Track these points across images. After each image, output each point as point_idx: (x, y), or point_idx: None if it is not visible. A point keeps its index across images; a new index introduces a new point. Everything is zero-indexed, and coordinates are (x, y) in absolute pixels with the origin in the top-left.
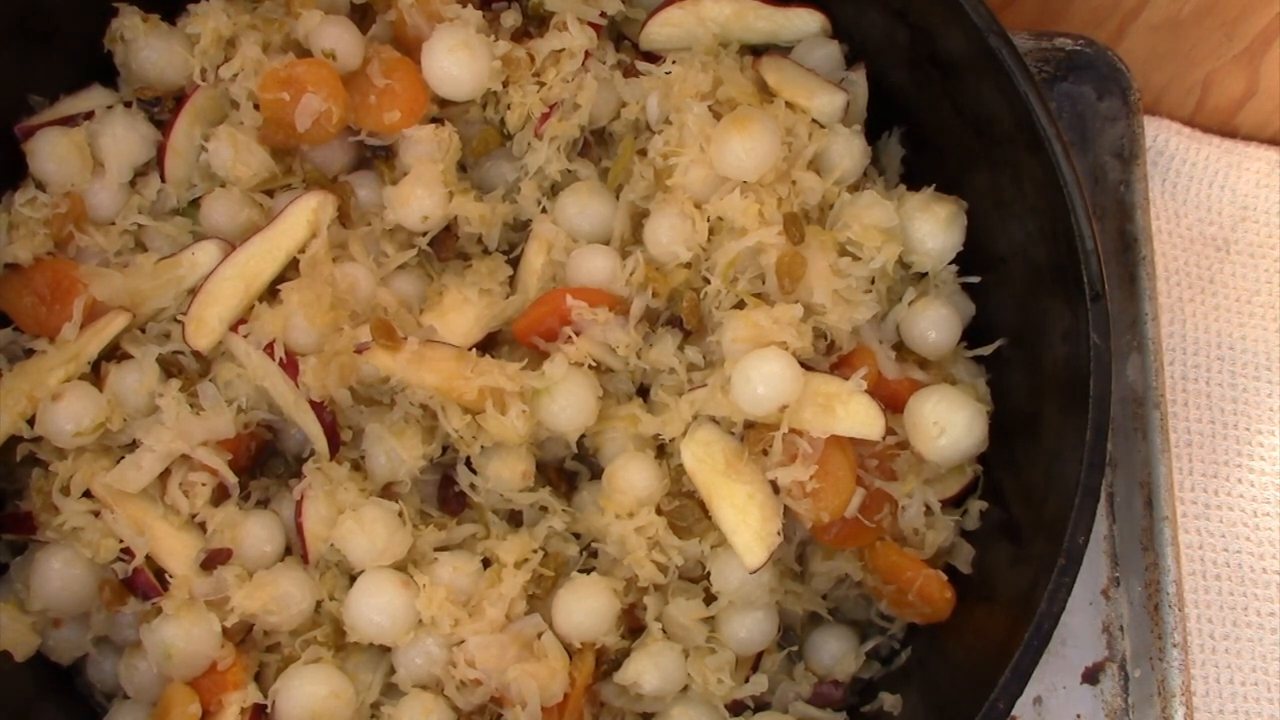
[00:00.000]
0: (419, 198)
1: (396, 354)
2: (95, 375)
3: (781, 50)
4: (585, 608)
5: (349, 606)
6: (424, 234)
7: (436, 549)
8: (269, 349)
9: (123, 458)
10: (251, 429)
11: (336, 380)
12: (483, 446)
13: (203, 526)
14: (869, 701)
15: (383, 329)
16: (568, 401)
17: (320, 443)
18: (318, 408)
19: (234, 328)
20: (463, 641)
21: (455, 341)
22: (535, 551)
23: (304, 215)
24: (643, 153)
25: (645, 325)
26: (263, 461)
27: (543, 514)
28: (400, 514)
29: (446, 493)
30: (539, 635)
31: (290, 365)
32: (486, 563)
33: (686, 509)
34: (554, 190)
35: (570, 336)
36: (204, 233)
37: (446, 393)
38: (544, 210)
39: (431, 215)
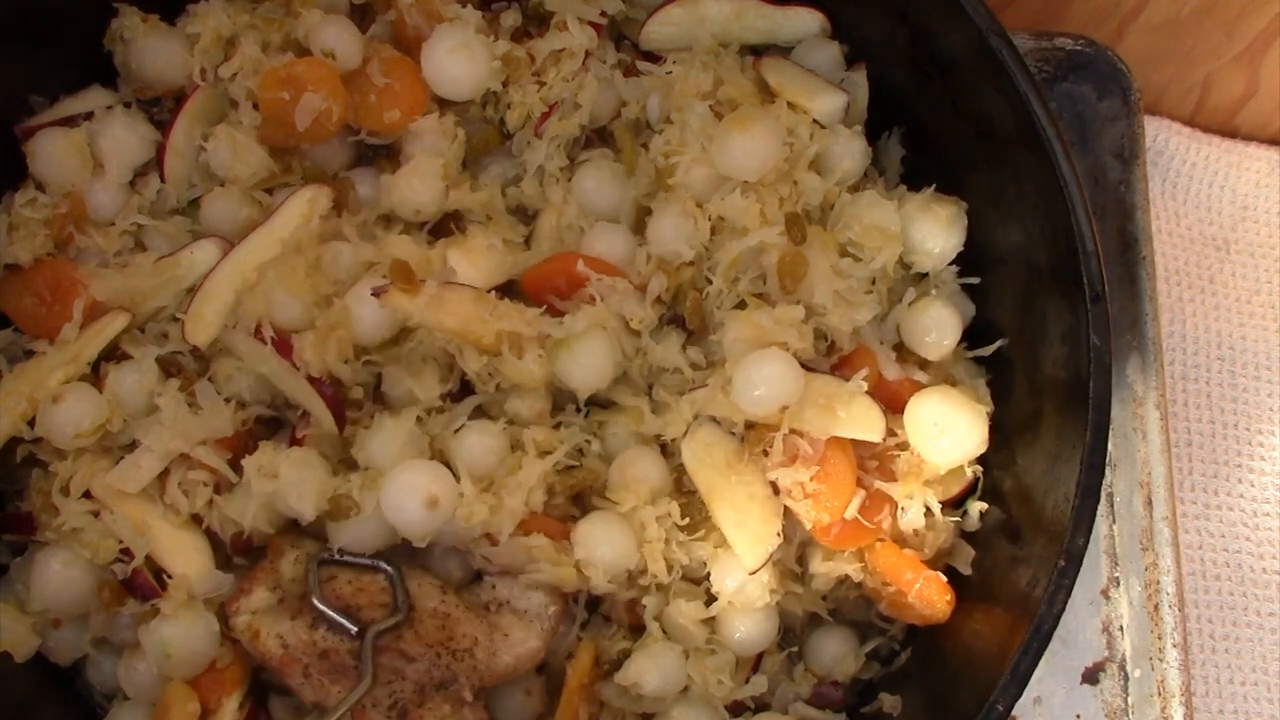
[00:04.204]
0: (414, 189)
1: (415, 297)
2: (95, 376)
3: (781, 51)
4: (609, 541)
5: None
6: (421, 225)
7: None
8: (258, 333)
9: (122, 458)
10: (250, 426)
11: (335, 355)
12: (498, 386)
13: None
14: (869, 702)
15: (401, 271)
16: (587, 359)
17: (326, 419)
18: (318, 384)
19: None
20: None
21: (479, 281)
22: (560, 443)
23: (299, 208)
24: (644, 147)
25: (660, 305)
26: None
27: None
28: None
29: None
30: None
31: (282, 345)
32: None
33: (689, 508)
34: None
35: (593, 298)
36: (204, 232)
37: (464, 336)
38: (556, 182)
39: (424, 210)
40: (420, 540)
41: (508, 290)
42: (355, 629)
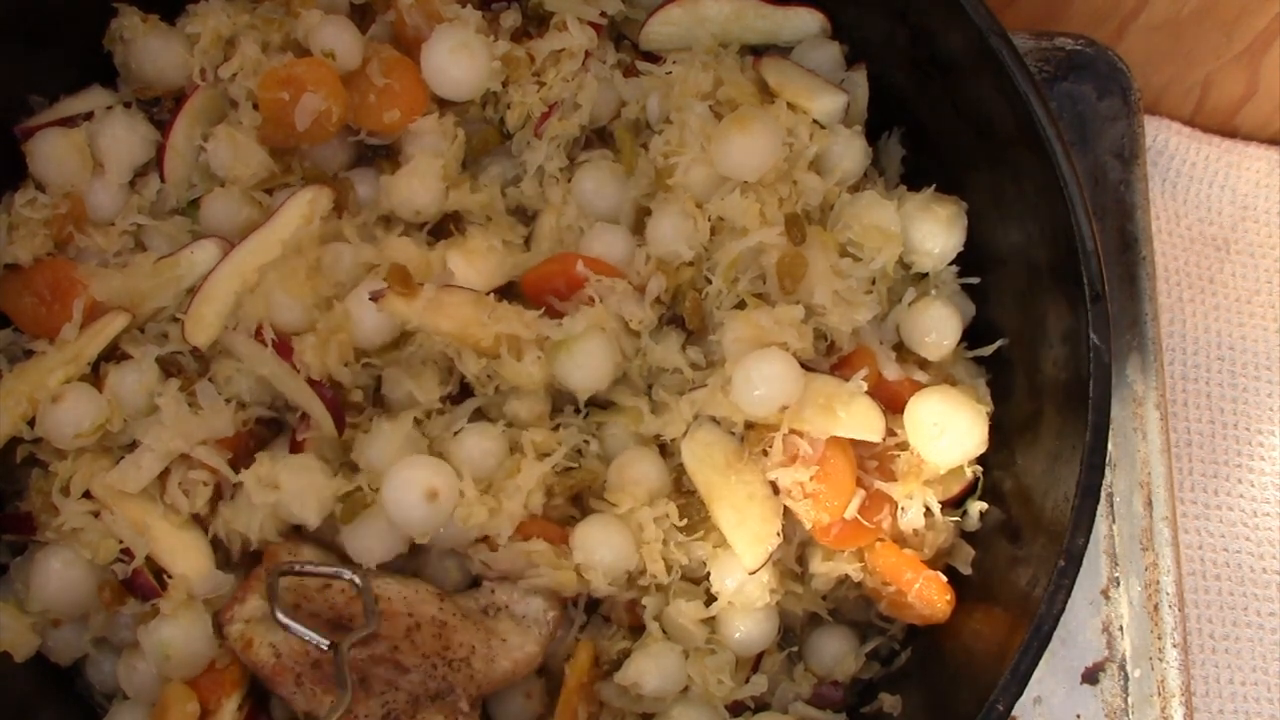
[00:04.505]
0: (414, 190)
1: (412, 301)
2: (95, 376)
3: (781, 51)
4: (608, 544)
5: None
6: (421, 226)
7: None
8: (259, 335)
9: (122, 458)
10: (250, 426)
11: (336, 358)
12: (497, 388)
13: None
14: (869, 702)
15: (398, 275)
16: (586, 361)
17: (326, 422)
18: (318, 386)
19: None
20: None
21: (479, 283)
22: (559, 445)
23: (299, 209)
24: (644, 147)
25: (659, 305)
26: None
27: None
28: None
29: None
30: None
31: (283, 347)
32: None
33: (689, 508)
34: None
35: (591, 299)
36: (203, 232)
37: (462, 339)
38: (556, 183)
39: (424, 211)
40: (422, 537)
41: (507, 291)
42: (327, 644)
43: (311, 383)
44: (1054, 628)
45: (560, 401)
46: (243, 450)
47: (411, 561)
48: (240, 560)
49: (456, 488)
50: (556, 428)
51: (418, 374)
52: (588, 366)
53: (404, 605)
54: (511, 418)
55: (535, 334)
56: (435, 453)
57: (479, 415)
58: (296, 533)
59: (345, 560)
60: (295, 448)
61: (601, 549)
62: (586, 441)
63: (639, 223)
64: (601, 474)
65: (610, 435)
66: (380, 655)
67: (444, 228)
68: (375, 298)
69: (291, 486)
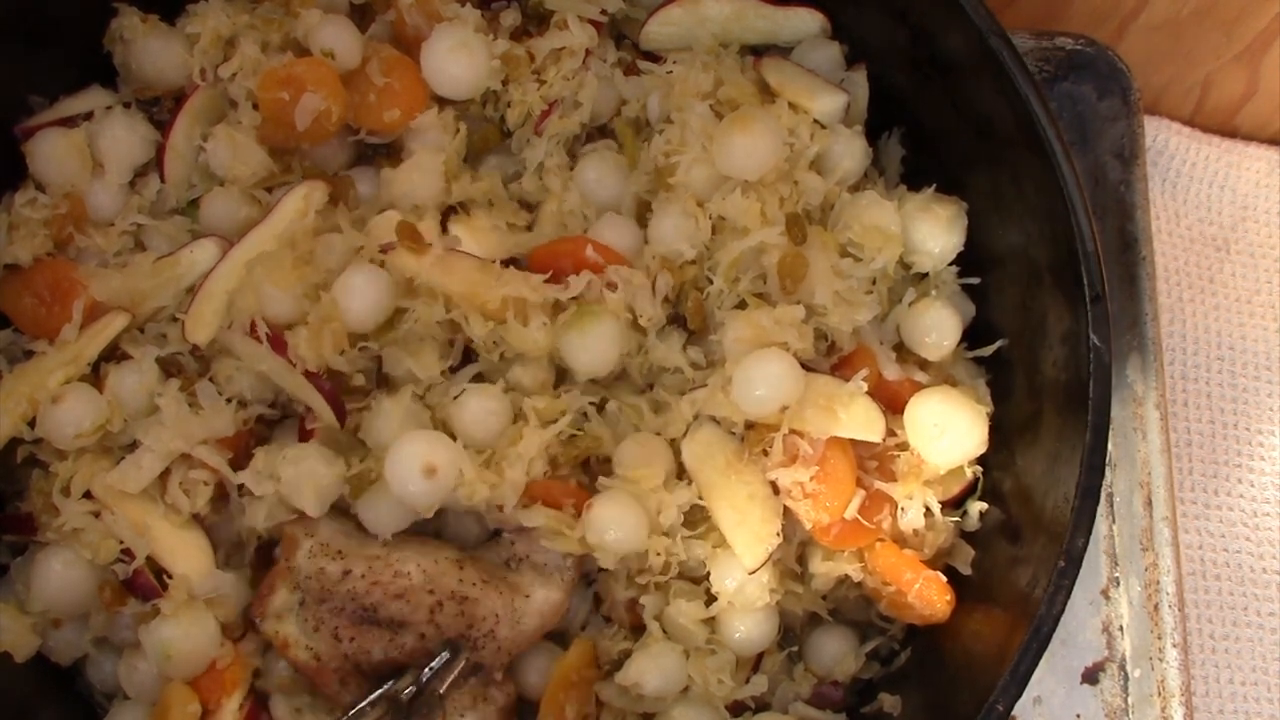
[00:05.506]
0: (414, 184)
1: (421, 257)
2: (95, 376)
3: (782, 51)
4: (619, 520)
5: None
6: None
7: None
8: (253, 330)
9: (123, 458)
10: (250, 426)
11: (330, 347)
12: (502, 355)
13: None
14: (868, 702)
15: (407, 231)
16: (594, 343)
17: (325, 414)
18: (315, 379)
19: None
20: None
21: (480, 255)
22: (563, 412)
23: (295, 204)
24: (645, 143)
25: (665, 305)
26: None
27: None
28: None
29: None
30: None
31: (277, 341)
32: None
33: (690, 507)
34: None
35: (613, 283)
36: (203, 232)
37: (469, 300)
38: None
39: (424, 205)
40: (426, 511)
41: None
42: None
43: (309, 375)
44: (1054, 629)
45: (560, 377)
46: (243, 450)
47: (432, 521)
48: (255, 553)
49: (456, 461)
50: (559, 396)
51: (416, 351)
52: (595, 349)
53: (424, 581)
54: (514, 384)
55: (542, 298)
56: (439, 420)
57: (481, 381)
58: None
59: (361, 530)
60: (304, 436)
61: (615, 525)
62: (592, 404)
63: (640, 217)
64: (605, 440)
65: (610, 411)
66: (410, 648)
67: (445, 222)
68: (384, 250)
69: (289, 477)
